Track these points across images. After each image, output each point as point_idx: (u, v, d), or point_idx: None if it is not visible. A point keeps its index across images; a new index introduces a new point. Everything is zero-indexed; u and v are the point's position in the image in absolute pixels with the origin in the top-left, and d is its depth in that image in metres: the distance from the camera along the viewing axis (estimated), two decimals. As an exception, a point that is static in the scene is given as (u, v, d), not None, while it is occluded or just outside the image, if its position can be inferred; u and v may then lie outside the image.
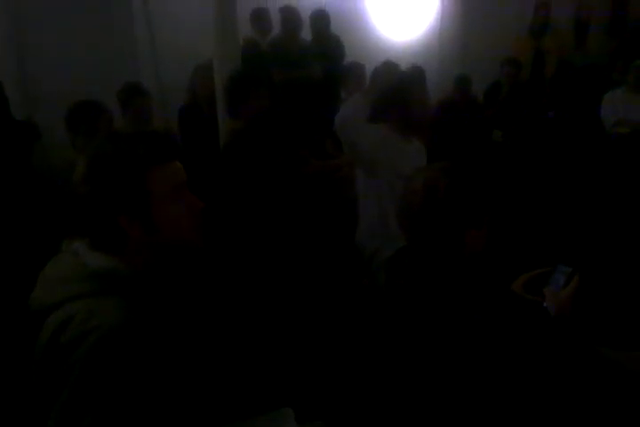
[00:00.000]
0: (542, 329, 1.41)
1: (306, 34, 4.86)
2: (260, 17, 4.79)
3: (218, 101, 3.32)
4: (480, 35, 5.55)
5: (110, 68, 4.19)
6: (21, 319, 1.16)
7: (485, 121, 4.65)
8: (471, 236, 1.41)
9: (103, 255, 1.13)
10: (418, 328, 1.38)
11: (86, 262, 1.12)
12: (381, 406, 1.46)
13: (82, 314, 1.05)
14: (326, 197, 2.88)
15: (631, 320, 2.32)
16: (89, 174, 1.12)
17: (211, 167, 2.90)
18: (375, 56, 4.65)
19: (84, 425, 1.01)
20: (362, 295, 2.03)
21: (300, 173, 2.69)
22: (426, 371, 1.36)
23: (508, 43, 5.61)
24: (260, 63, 4.35)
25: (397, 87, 2.75)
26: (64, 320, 1.05)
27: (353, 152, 2.83)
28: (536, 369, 1.33)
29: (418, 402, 1.38)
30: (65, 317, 1.06)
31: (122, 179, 1.10)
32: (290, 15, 4.64)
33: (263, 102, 2.80)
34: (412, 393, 1.39)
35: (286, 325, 1.65)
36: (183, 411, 1.17)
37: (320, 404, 1.67)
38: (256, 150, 2.61)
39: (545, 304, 1.52)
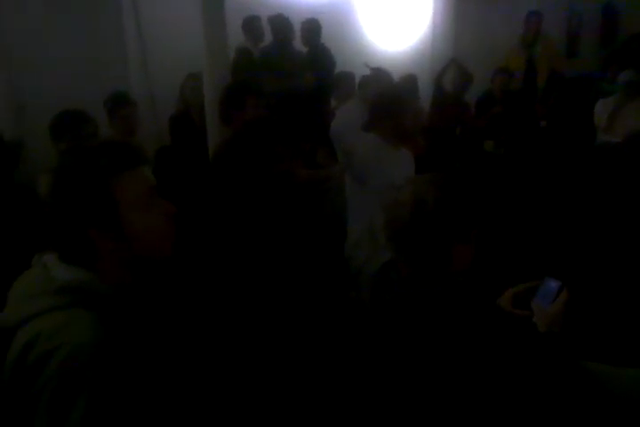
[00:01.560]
0: (530, 345, 1.39)
1: (298, 43, 4.87)
2: (251, 25, 4.80)
3: (207, 110, 3.30)
4: (472, 44, 5.59)
5: (100, 76, 4.16)
6: None
7: (477, 130, 4.65)
8: (458, 250, 1.38)
9: (73, 268, 1.10)
10: (403, 344, 1.35)
11: (55, 276, 1.09)
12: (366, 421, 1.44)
13: (48, 331, 1.01)
14: (315, 208, 2.85)
15: (621, 335, 2.30)
16: (54, 188, 1.10)
17: (201, 176, 2.87)
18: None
19: None
20: (348, 309, 2.00)
21: (291, 182, 2.67)
22: (412, 386, 1.33)
23: (501, 53, 5.65)
24: (252, 72, 4.34)
25: (392, 96, 2.74)
26: (31, 338, 1.01)
27: (347, 160, 2.81)
28: (524, 385, 1.31)
29: (404, 417, 1.35)
30: (32, 334, 1.02)
31: (86, 191, 1.08)
32: (281, 24, 4.64)
33: (258, 111, 2.79)
34: (398, 409, 1.36)
35: (270, 339, 1.62)
36: None
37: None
38: (245, 159, 2.59)
39: (534, 319, 1.50)
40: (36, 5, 4.17)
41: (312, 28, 4.83)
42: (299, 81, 4.34)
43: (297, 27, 4.81)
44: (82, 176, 1.09)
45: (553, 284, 1.55)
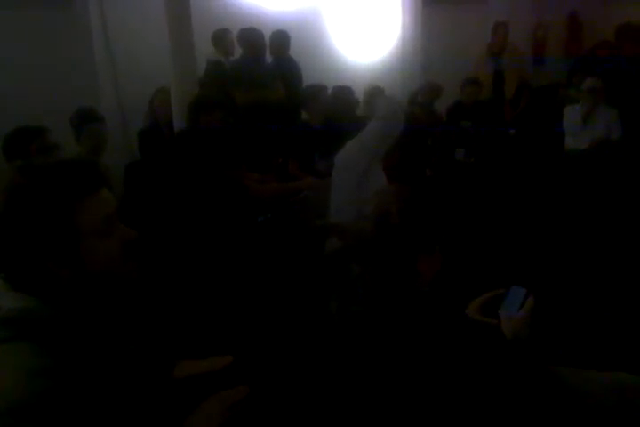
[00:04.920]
0: (498, 352, 1.39)
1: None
2: (221, 38, 4.80)
3: (175, 124, 3.29)
4: (442, 55, 5.67)
5: (69, 92, 4.12)
6: None
7: (448, 139, 4.69)
8: (423, 261, 1.39)
9: (20, 296, 1.00)
10: (370, 355, 1.35)
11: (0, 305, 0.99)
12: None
13: None
14: (285, 222, 2.84)
15: (586, 339, 2.33)
16: (6, 212, 0.99)
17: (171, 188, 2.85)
18: (337, 78, 4.69)
19: None
20: (320, 322, 1.99)
21: (242, 193, 2.64)
22: (378, 396, 1.32)
23: (469, 63, 5.73)
24: (223, 85, 4.34)
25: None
26: None
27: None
28: (494, 393, 1.31)
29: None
30: None
31: (45, 216, 0.98)
32: (251, 37, 4.65)
33: (214, 125, 2.78)
34: (364, 420, 1.35)
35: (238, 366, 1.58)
36: None
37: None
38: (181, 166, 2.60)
39: (502, 327, 1.50)
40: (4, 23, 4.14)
41: (280, 40, 4.85)
42: (269, 93, 4.34)
43: (266, 39, 4.82)
44: (41, 200, 0.98)
45: (519, 291, 1.57)
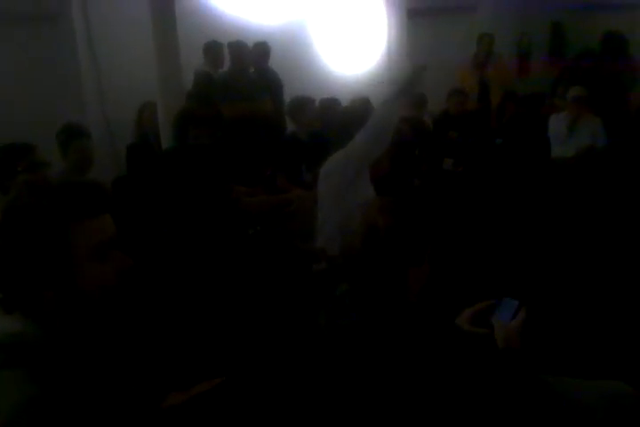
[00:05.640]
0: (489, 362, 1.39)
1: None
2: (211, 50, 4.82)
3: (162, 137, 3.28)
4: (428, 65, 5.70)
5: (54, 106, 4.11)
6: None
7: (436, 149, 4.71)
8: (412, 273, 1.38)
9: (13, 319, 0.98)
10: (359, 368, 1.34)
11: None
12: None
13: None
14: (275, 234, 2.83)
15: (579, 349, 2.33)
16: (2, 227, 0.98)
17: (160, 203, 2.83)
18: (324, 90, 4.72)
19: None
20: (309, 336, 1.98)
21: (235, 208, 2.62)
22: (369, 408, 1.31)
23: (454, 74, 5.78)
24: (210, 97, 4.34)
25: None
26: None
27: None
28: (484, 402, 1.30)
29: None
30: None
31: (38, 235, 0.97)
32: (239, 50, 4.68)
33: (202, 139, 2.76)
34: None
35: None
36: None
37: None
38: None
39: (494, 335, 1.50)
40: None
41: (261, 51, 4.88)
42: (257, 106, 4.35)
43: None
44: (37, 218, 0.97)
45: (511, 303, 1.58)
